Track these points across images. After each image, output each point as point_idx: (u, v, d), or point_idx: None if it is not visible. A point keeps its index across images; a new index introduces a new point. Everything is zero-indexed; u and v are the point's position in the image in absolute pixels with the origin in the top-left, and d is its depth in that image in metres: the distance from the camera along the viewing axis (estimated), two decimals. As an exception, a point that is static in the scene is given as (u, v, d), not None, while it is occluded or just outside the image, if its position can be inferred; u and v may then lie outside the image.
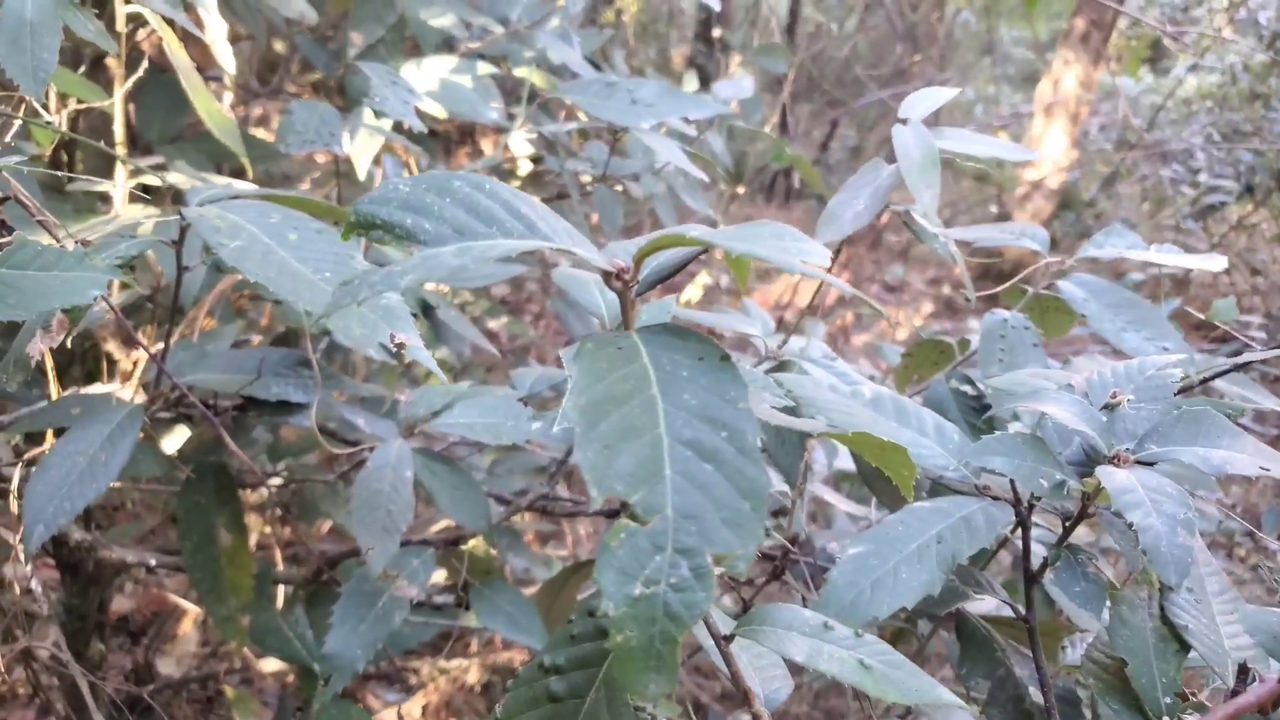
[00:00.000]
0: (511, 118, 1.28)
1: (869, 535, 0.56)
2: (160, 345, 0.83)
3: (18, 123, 0.75)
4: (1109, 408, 0.58)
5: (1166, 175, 4.58)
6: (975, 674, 0.66)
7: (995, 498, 0.59)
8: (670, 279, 0.40)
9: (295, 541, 1.66)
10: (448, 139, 1.87)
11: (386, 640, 1.00)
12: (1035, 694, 0.65)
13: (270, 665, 1.60)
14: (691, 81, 1.67)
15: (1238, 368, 0.97)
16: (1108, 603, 0.57)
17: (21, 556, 0.75)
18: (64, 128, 0.80)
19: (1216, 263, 0.85)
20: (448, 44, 1.38)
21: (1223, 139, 4.15)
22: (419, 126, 0.96)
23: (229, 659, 1.70)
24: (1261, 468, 0.51)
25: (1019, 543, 0.63)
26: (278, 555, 1.47)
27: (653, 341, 0.36)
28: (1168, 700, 0.50)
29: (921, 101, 0.72)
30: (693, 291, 2.16)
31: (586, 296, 0.77)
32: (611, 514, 0.85)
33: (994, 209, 4.62)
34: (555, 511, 0.87)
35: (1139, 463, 0.55)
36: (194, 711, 1.65)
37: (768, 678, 0.49)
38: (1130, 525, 0.49)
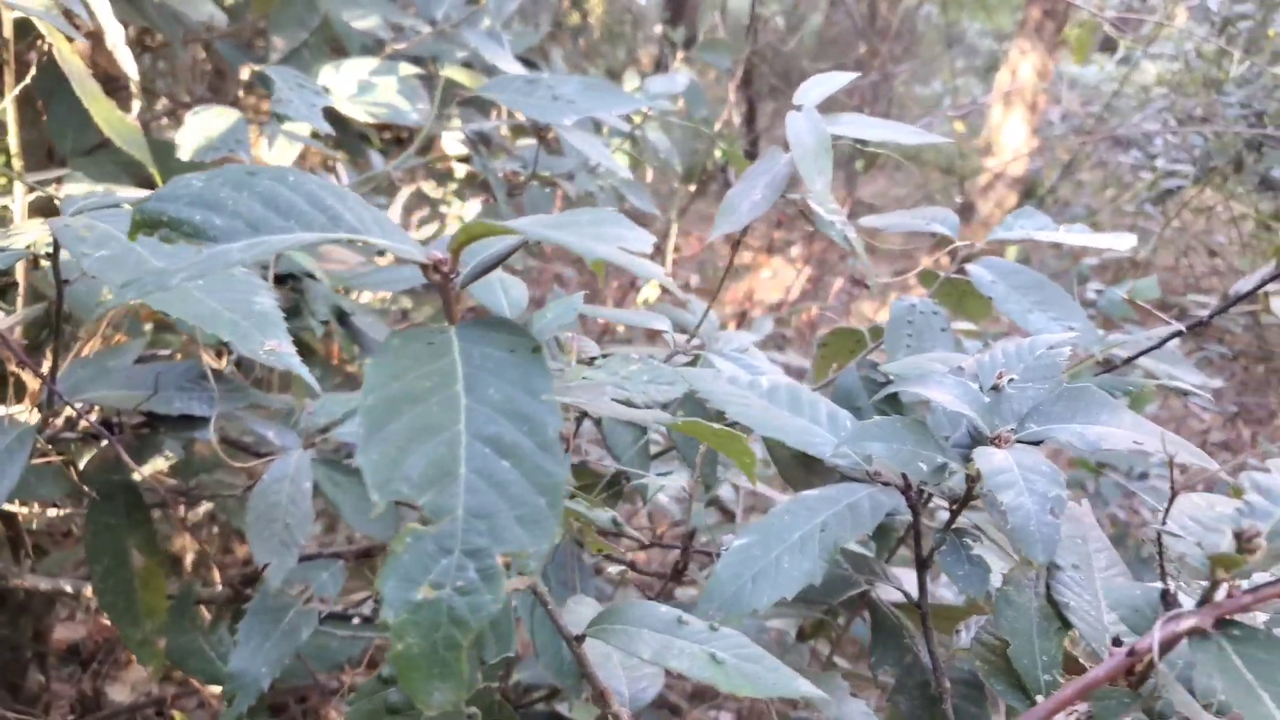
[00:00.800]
0: (446, 119, 1.27)
1: (756, 526, 0.55)
2: (64, 362, 0.80)
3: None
4: (997, 389, 0.58)
5: (1126, 161, 4.64)
6: (884, 662, 0.66)
7: (887, 484, 0.58)
8: (495, 268, 0.39)
9: (249, 560, 1.63)
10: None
11: (313, 656, 0.98)
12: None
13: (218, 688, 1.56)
14: (633, 79, 1.66)
15: (1153, 347, 0.97)
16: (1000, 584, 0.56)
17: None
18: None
19: (1124, 241, 0.85)
20: (379, 45, 1.36)
21: (1179, 124, 4.21)
22: (325, 129, 0.94)
23: (183, 682, 1.67)
24: (1135, 442, 0.51)
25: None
26: (216, 574, 1.44)
27: (468, 335, 0.35)
28: (1047, 678, 0.49)
29: (816, 87, 0.71)
30: (649, 291, 2.15)
31: (491, 298, 0.76)
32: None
33: (958, 199, 4.66)
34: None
35: (1021, 442, 0.54)
36: (145, 738, 1.61)
37: (636, 676, 0.48)
38: (1001, 505, 0.48)
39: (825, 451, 0.57)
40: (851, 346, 0.86)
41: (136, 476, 0.87)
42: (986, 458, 0.51)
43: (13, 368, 1.01)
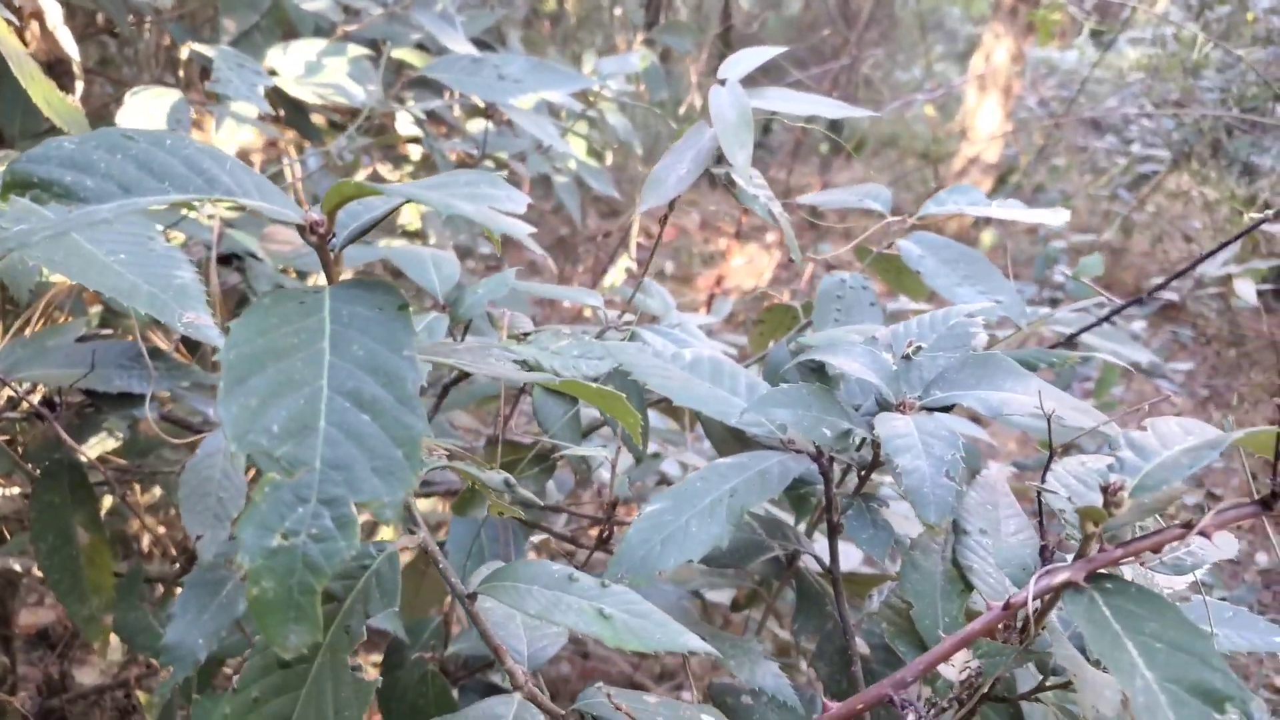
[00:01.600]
0: (399, 100, 1.26)
1: (670, 492, 0.56)
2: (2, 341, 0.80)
3: None
4: (907, 357, 0.59)
5: (1101, 146, 4.67)
6: (807, 629, 0.67)
7: (799, 451, 0.59)
8: (371, 230, 0.40)
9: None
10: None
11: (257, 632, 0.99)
12: (860, 644, 0.66)
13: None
14: (590, 61, 1.65)
15: (1093, 325, 0.99)
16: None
17: None
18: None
19: (1058, 216, 0.87)
20: (333, 27, 1.35)
21: (1155, 108, 4.24)
22: (266, 109, 0.94)
23: (149, 663, 1.67)
24: (1036, 406, 0.52)
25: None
26: (173, 553, 1.44)
27: (341, 295, 0.36)
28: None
29: (740, 62, 0.72)
30: (615, 274, 2.15)
31: (422, 274, 0.76)
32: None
33: (933, 184, 4.69)
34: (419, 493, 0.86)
35: (926, 409, 0.55)
36: (111, 719, 1.61)
37: (538, 635, 0.49)
38: (898, 468, 0.49)
39: (747, 420, 0.58)
40: (788, 323, 0.87)
41: (82, 456, 0.87)
42: (886, 423, 0.52)
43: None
